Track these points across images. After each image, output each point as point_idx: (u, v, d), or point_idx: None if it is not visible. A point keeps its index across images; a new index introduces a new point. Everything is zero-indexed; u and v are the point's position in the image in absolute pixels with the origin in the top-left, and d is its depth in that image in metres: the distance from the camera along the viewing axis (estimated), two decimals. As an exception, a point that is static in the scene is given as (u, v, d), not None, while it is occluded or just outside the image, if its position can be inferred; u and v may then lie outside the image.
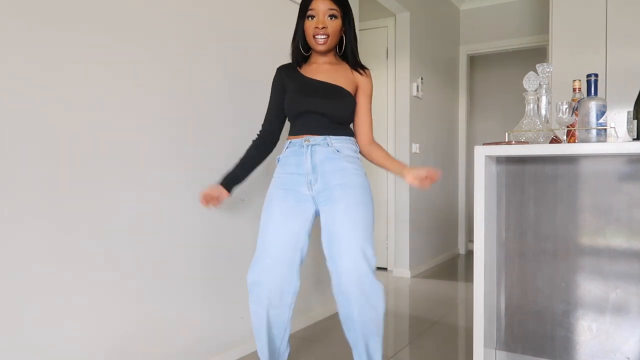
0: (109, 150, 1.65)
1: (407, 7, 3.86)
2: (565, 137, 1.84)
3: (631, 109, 2.82)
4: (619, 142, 1.56)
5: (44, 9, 1.46)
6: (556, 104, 1.73)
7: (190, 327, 1.97)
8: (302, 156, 1.69)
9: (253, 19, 2.29)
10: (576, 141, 1.81)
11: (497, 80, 5.65)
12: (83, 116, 1.57)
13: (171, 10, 1.87)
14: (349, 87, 1.76)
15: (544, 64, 1.82)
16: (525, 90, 1.83)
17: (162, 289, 1.85)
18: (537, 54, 5.21)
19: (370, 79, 1.81)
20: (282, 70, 1.81)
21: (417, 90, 4.02)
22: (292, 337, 2.46)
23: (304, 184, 1.69)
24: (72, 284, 1.54)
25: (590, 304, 1.88)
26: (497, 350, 2.05)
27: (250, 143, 1.84)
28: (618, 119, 3.11)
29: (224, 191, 1.77)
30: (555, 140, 1.82)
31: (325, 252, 1.65)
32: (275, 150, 1.86)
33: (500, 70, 5.63)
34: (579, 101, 1.81)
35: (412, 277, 3.95)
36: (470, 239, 5.11)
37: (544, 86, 1.84)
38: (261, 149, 1.82)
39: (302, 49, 1.77)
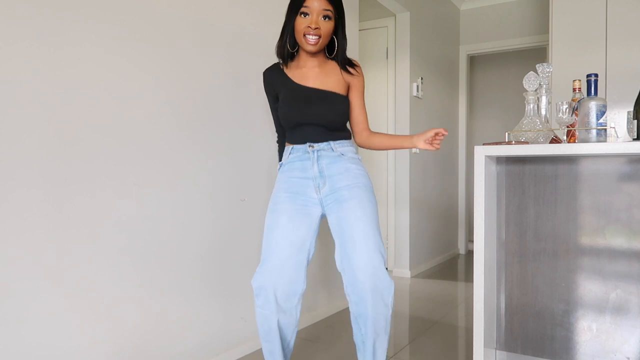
0: (115, 149, 1.65)
1: (407, 7, 3.86)
2: (565, 137, 1.84)
3: (631, 109, 2.82)
4: (619, 142, 1.57)
5: (45, 6, 1.46)
6: (556, 104, 1.73)
7: (191, 328, 1.97)
8: (308, 161, 1.70)
9: (254, 17, 2.29)
10: (576, 141, 1.81)
11: (497, 80, 5.65)
12: (85, 115, 1.57)
13: (177, 5, 1.87)
14: (340, 89, 1.74)
15: (544, 64, 1.82)
16: (525, 90, 1.83)
17: (162, 290, 1.85)
18: (537, 54, 5.21)
19: (362, 74, 1.79)
20: (269, 75, 1.77)
21: (417, 90, 4.02)
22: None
23: (312, 187, 1.69)
24: (72, 284, 1.54)
25: (590, 304, 1.88)
26: (497, 350, 2.05)
27: (274, 145, 1.87)
28: (618, 119, 3.11)
29: None
30: (555, 140, 1.82)
31: (338, 250, 1.66)
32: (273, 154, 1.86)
33: (500, 70, 5.63)
34: (579, 101, 1.81)
35: (412, 277, 3.95)
36: (470, 239, 5.11)
37: (544, 86, 1.84)
38: (284, 135, 1.83)
39: (289, 45, 1.71)
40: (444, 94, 4.61)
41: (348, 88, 1.77)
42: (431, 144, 1.69)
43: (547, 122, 1.86)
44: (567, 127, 1.80)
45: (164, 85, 1.85)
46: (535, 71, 1.85)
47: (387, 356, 1.73)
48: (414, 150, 3.97)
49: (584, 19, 3.25)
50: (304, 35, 1.64)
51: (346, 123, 1.78)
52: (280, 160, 1.84)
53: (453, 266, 4.41)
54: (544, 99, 1.85)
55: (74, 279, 1.55)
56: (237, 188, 2.20)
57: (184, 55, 1.93)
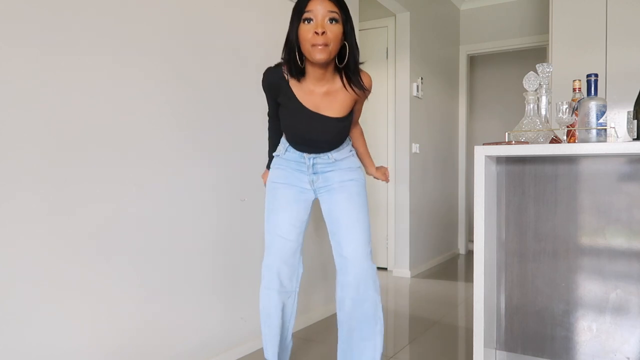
0: (115, 149, 1.65)
1: (407, 7, 3.86)
2: (565, 137, 1.84)
3: (631, 109, 2.82)
4: (619, 142, 1.56)
5: (44, 7, 1.46)
6: (556, 104, 1.73)
7: (191, 328, 1.97)
8: (303, 164, 1.74)
9: (251, 18, 2.29)
10: (576, 141, 1.81)
11: (497, 80, 5.65)
12: (85, 116, 1.57)
13: (177, 5, 1.87)
14: (347, 109, 1.66)
15: (544, 64, 1.82)
16: (525, 90, 1.83)
17: (162, 290, 1.85)
18: (537, 54, 5.21)
19: (371, 89, 1.71)
20: (271, 84, 1.65)
21: (417, 90, 4.02)
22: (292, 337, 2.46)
23: (307, 181, 1.76)
24: (72, 284, 1.54)
25: (590, 304, 1.88)
26: (497, 350, 2.05)
27: (264, 130, 1.90)
28: (618, 119, 3.11)
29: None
30: (555, 140, 1.82)
31: (330, 236, 1.77)
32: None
33: (500, 70, 5.63)
34: (579, 101, 1.81)
35: (412, 277, 3.95)
36: (470, 239, 5.11)
37: (544, 86, 1.84)
38: (279, 127, 1.79)
39: (298, 59, 1.56)
40: (444, 94, 4.61)
41: (355, 101, 1.71)
42: (384, 174, 1.94)
43: (547, 122, 1.86)
44: (567, 127, 1.80)
45: (164, 85, 1.85)
46: (535, 71, 1.85)
47: (386, 356, 1.73)
48: (414, 150, 3.98)
49: (584, 19, 3.25)
50: (312, 45, 1.50)
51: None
52: (271, 140, 1.86)
53: (453, 266, 4.41)
54: (544, 99, 1.85)
55: (74, 279, 1.55)
56: (237, 188, 2.20)
57: (184, 56, 1.93)
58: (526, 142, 1.75)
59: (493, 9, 4.80)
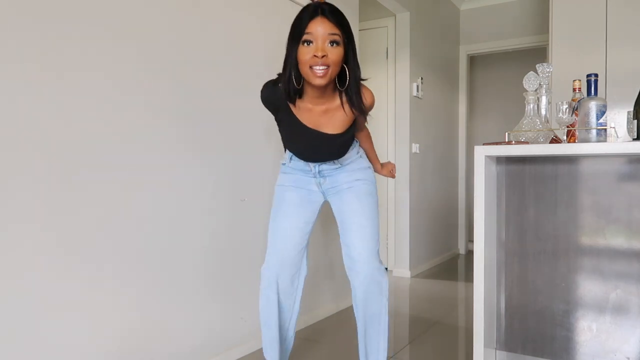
0: (115, 150, 1.65)
1: (407, 7, 3.86)
2: (565, 137, 1.84)
3: (631, 109, 2.82)
4: (619, 142, 1.57)
5: (44, 8, 1.46)
6: (556, 104, 1.73)
7: (191, 328, 1.97)
8: (309, 172, 1.75)
9: (252, 18, 2.29)
10: (576, 141, 1.81)
11: (497, 80, 5.65)
12: (85, 117, 1.57)
13: (177, 5, 1.87)
14: (347, 124, 1.63)
15: (544, 64, 1.82)
16: (525, 90, 1.83)
17: (161, 290, 1.85)
18: (537, 54, 5.20)
19: (372, 108, 1.68)
20: (270, 96, 1.60)
21: (417, 90, 4.02)
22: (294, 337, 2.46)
23: (314, 184, 1.77)
24: (72, 284, 1.54)
25: (590, 304, 1.88)
26: (497, 350, 2.05)
27: (274, 146, 1.94)
28: (618, 119, 3.11)
29: None
30: (555, 140, 1.82)
31: (340, 234, 1.77)
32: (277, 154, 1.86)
33: (500, 70, 5.63)
34: (579, 101, 1.81)
35: (412, 277, 3.95)
36: (470, 239, 5.11)
37: (544, 86, 1.84)
38: None
39: (295, 81, 1.50)
40: (444, 94, 4.61)
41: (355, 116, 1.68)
42: (390, 172, 2.00)
43: (547, 122, 1.86)
44: (567, 127, 1.80)
45: (164, 85, 1.85)
46: (535, 71, 1.85)
47: (387, 356, 1.74)
48: (414, 150, 3.98)
49: (584, 19, 3.25)
50: (310, 67, 1.44)
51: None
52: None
53: (453, 266, 4.41)
54: (544, 99, 1.85)
55: (74, 279, 1.55)
56: (237, 188, 2.20)
57: (184, 56, 1.93)
58: (526, 142, 1.75)
59: (493, 9, 4.79)
